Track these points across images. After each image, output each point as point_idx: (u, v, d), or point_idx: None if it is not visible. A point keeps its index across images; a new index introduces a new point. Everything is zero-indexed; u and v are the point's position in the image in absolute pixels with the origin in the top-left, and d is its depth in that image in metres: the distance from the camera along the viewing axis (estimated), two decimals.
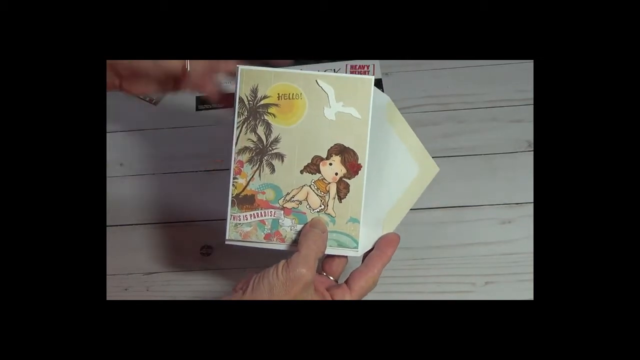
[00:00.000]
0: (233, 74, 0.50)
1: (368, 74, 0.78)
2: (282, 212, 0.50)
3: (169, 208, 0.69)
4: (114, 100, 0.78)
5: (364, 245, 0.50)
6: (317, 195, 0.49)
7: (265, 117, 0.49)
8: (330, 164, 0.49)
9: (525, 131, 0.72)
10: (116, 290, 0.63)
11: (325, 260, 0.52)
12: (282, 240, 0.50)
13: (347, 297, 0.47)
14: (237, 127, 0.49)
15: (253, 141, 0.49)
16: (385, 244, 0.50)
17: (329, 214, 0.50)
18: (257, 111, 0.49)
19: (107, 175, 0.71)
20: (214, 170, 0.72)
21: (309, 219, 0.50)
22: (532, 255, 0.63)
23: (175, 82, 0.54)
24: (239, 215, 0.50)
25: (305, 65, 0.78)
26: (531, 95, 0.75)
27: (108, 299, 0.61)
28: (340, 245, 0.50)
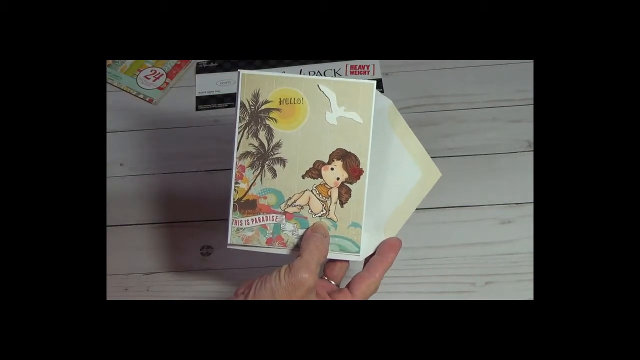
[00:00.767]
0: None
1: (368, 74, 0.78)
2: (284, 216, 0.50)
3: (169, 208, 0.69)
4: (114, 100, 0.78)
5: (366, 249, 0.50)
6: (319, 200, 0.49)
7: (267, 122, 0.49)
8: (332, 169, 0.49)
9: (525, 131, 0.72)
10: (116, 290, 0.63)
11: (327, 265, 0.52)
12: (284, 245, 0.50)
13: None
14: (239, 132, 0.49)
15: (255, 146, 0.49)
16: (387, 249, 0.50)
17: (330, 218, 0.50)
18: (258, 116, 0.49)
19: (107, 175, 0.71)
20: (214, 170, 0.72)
21: (310, 224, 0.50)
22: (532, 255, 0.63)
23: None
24: (241, 220, 0.50)
25: (305, 66, 0.78)
26: (531, 95, 0.75)
27: (108, 299, 0.61)
28: (342, 249, 0.50)
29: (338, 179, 0.49)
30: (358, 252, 0.50)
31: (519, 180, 0.69)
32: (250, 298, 0.45)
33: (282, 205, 0.50)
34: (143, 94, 0.78)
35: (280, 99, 0.49)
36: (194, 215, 0.68)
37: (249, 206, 0.50)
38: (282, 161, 0.49)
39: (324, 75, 0.76)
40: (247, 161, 0.49)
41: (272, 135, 0.49)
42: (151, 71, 0.80)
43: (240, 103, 0.49)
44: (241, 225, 0.50)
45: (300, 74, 0.75)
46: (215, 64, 0.80)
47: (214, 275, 0.64)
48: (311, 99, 0.49)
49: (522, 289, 0.61)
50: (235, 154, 0.49)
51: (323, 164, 0.49)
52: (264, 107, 0.49)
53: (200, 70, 0.80)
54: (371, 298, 0.49)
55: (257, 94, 0.49)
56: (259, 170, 0.49)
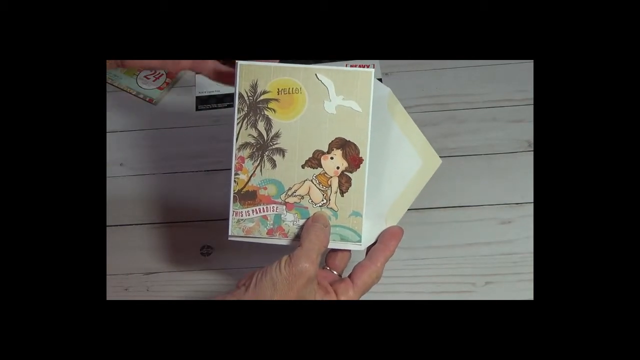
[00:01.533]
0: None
1: None
2: (285, 207, 0.50)
3: (169, 208, 0.69)
4: (114, 100, 0.78)
5: (367, 239, 0.50)
6: (319, 189, 0.49)
7: (266, 112, 0.49)
8: (332, 158, 0.49)
9: (525, 131, 0.72)
10: (116, 290, 0.63)
11: (329, 255, 0.52)
12: (285, 236, 0.50)
13: (351, 292, 0.47)
14: (237, 123, 0.49)
15: (254, 137, 0.49)
16: (388, 237, 0.50)
17: (331, 208, 0.50)
18: (257, 106, 0.49)
19: (107, 175, 0.71)
20: (214, 170, 0.72)
21: (311, 214, 0.50)
22: (532, 255, 0.63)
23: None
24: (241, 211, 0.50)
25: (305, 66, 0.78)
26: (531, 95, 0.75)
27: (108, 299, 0.61)
28: (343, 239, 0.50)
29: (338, 168, 0.49)
30: (359, 241, 0.50)
31: (519, 180, 0.69)
32: (251, 289, 0.45)
33: (283, 196, 0.50)
34: (143, 94, 0.79)
35: (278, 89, 0.49)
36: (194, 215, 0.68)
37: (249, 197, 0.50)
38: (281, 151, 0.49)
39: None
40: (246, 152, 0.49)
41: (271, 126, 0.49)
42: (151, 71, 0.80)
43: (239, 94, 0.49)
44: (242, 216, 0.50)
45: None
46: None
47: (213, 275, 0.64)
48: (309, 89, 0.49)
49: (522, 289, 0.61)
50: (235, 145, 0.49)
51: (322, 153, 0.49)
52: (262, 97, 0.49)
53: None
54: (371, 297, 0.49)
55: (255, 84, 0.49)
56: (258, 161, 0.49)
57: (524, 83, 0.76)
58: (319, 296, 0.46)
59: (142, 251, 0.66)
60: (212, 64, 0.55)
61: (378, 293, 0.50)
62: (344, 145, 0.49)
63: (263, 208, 0.50)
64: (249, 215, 0.50)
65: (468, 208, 0.67)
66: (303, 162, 0.49)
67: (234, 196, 0.50)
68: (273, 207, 0.50)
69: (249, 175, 0.50)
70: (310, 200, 0.50)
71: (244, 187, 0.50)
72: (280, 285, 0.44)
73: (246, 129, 0.49)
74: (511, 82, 0.76)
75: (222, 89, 0.78)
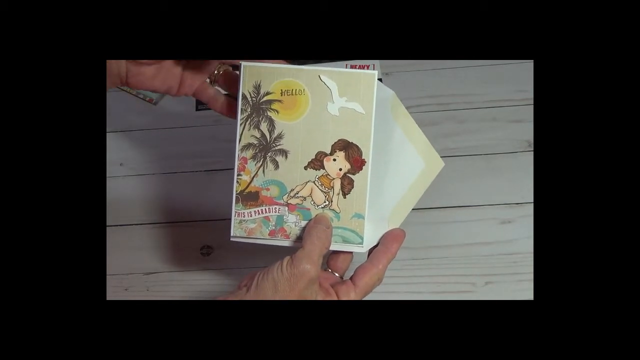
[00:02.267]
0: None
1: None
2: (287, 208, 0.50)
3: (169, 208, 0.69)
4: (114, 100, 0.78)
5: (369, 241, 0.50)
6: (321, 191, 0.49)
7: (269, 114, 0.49)
8: (334, 160, 0.49)
9: (525, 131, 0.72)
10: (116, 290, 0.63)
11: (330, 257, 0.52)
12: (287, 237, 0.50)
13: (352, 294, 0.47)
14: (241, 124, 0.49)
15: (256, 137, 0.49)
16: (390, 240, 0.50)
17: (333, 209, 0.50)
18: (260, 107, 0.49)
19: (107, 175, 0.71)
20: (214, 170, 0.72)
21: (313, 215, 0.50)
22: (532, 255, 0.63)
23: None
24: (244, 212, 0.50)
25: (305, 66, 0.78)
26: (531, 95, 0.75)
27: (108, 299, 0.61)
28: (345, 241, 0.50)
29: (340, 169, 0.49)
30: (361, 243, 0.50)
31: (519, 180, 0.69)
32: (252, 290, 0.45)
33: (285, 197, 0.50)
34: (143, 94, 0.79)
35: (281, 90, 0.49)
36: (194, 215, 0.68)
37: (251, 198, 0.50)
38: (284, 153, 0.49)
39: None
40: (249, 153, 0.50)
41: (274, 127, 0.49)
42: None
43: (242, 95, 0.49)
44: (244, 217, 0.50)
45: None
46: None
47: (213, 275, 0.64)
48: (312, 90, 0.49)
49: (522, 289, 0.61)
50: (237, 146, 0.49)
51: (325, 154, 0.49)
52: (265, 98, 0.49)
53: None
54: (371, 297, 0.49)
55: (259, 85, 0.49)
56: (261, 162, 0.50)
57: (524, 83, 0.76)
58: (320, 297, 0.46)
59: (142, 251, 0.66)
60: (212, 91, 0.55)
61: (378, 293, 0.50)
62: (347, 147, 0.49)
63: (265, 209, 0.50)
64: (251, 216, 0.50)
65: (468, 208, 0.67)
66: (306, 164, 0.49)
67: (236, 197, 0.50)
68: (275, 208, 0.50)
69: (252, 176, 0.50)
70: (312, 202, 0.50)
71: (247, 188, 0.50)
72: (281, 285, 0.44)
73: (249, 130, 0.49)
74: (511, 82, 0.76)
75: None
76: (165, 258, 0.66)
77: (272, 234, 0.50)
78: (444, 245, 0.65)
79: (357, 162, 0.49)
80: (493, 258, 0.64)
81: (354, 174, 0.49)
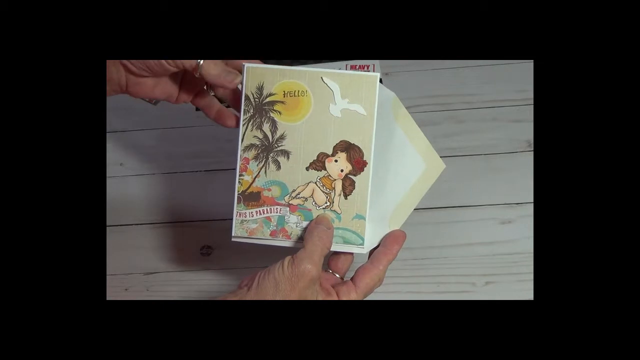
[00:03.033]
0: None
1: None
2: (288, 209, 0.50)
3: (169, 208, 0.69)
4: (114, 99, 0.78)
5: (370, 242, 0.50)
6: (323, 192, 0.50)
7: (271, 114, 0.49)
8: (336, 161, 0.49)
9: (525, 131, 0.72)
10: (116, 290, 0.63)
11: (331, 258, 0.52)
12: (288, 237, 0.50)
13: (353, 294, 0.47)
14: (243, 124, 0.50)
15: (259, 138, 0.50)
16: (391, 241, 0.50)
17: (334, 210, 0.50)
18: (262, 108, 0.49)
19: (107, 175, 0.71)
20: (214, 170, 0.72)
21: (314, 216, 0.50)
22: (532, 255, 0.63)
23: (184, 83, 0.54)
24: (245, 212, 0.50)
25: (305, 66, 0.78)
26: (531, 95, 0.75)
27: (108, 299, 0.61)
28: (346, 242, 0.50)
29: (342, 171, 0.49)
30: (362, 244, 0.50)
31: (519, 180, 0.69)
32: (253, 289, 0.45)
33: (286, 198, 0.50)
34: None
35: (284, 91, 0.49)
36: (194, 215, 0.68)
37: (253, 198, 0.50)
38: (286, 153, 0.49)
39: None
40: (251, 153, 0.50)
41: (276, 128, 0.49)
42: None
43: (245, 96, 0.49)
44: (245, 217, 0.50)
45: None
46: None
47: (213, 275, 0.64)
48: (315, 92, 0.49)
49: (522, 289, 0.61)
50: (240, 146, 0.50)
51: (327, 156, 0.49)
52: (268, 99, 0.49)
53: None
54: (371, 297, 0.49)
55: (262, 86, 0.49)
56: (263, 163, 0.50)
57: (524, 83, 0.76)
58: (320, 297, 0.46)
59: (142, 251, 0.66)
60: (208, 99, 0.55)
61: (378, 293, 0.50)
62: (349, 149, 0.49)
63: (267, 209, 0.50)
64: (252, 216, 0.50)
65: (468, 208, 0.67)
66: (307, 165, 0.49)
67: (237, 197, 0.50)
68: (277, 208, 0.50)
69: (254, 176, 0.50)
70: (313, 203, 0.50)
71: (248, 188, 0.50)
72: (282, 285, 0.44)
73: (251, 130, 0.49)
74: (511, 82, 0.76)
75: None
76: (165, 258, 0.66)
77: (273, 234, 0.50)
78: (444, 245, 0.65)
79: (358, 163, 0.49)
80: (493, 258, 0.64)
81: (355, 175, 0.49)
